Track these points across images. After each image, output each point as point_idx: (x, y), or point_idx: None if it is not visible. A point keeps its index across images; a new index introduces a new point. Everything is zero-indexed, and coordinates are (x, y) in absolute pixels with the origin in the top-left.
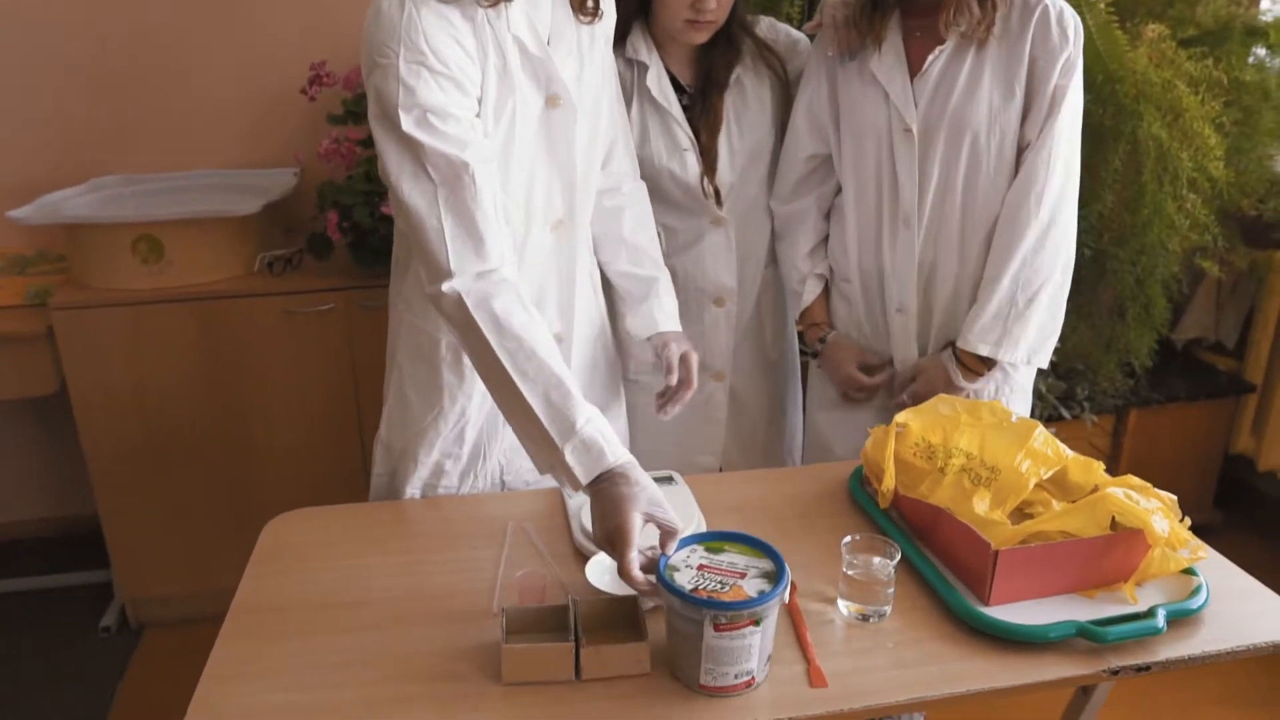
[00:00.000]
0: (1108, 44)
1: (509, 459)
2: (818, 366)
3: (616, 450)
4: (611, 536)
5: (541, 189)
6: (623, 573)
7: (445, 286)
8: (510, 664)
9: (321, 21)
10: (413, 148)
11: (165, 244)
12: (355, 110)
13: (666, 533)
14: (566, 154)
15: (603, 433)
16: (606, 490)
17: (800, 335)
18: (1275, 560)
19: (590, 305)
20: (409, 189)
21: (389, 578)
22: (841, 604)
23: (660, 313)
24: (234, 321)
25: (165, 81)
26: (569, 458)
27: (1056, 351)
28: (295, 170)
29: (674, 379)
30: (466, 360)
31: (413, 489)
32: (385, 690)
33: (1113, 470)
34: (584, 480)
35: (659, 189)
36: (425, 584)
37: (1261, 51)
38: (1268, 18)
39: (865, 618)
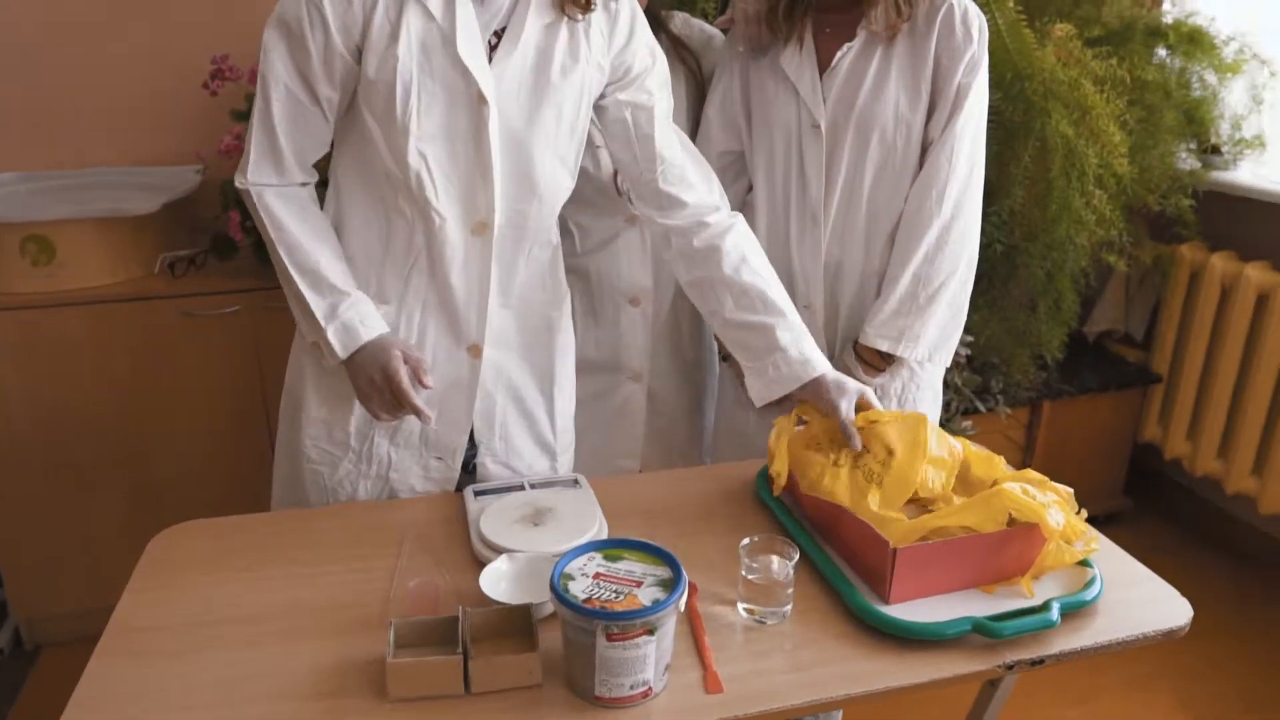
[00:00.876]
0: (1017, 42)
1: (399, 458)
2: (729, 367)
3: (371, 329)
4: (379, 381)
5: (459, 187)
6: (407, 403)
7: (239, 181)
8: (396, 679)
9: (223, 14)
10: (265, 52)
11: (57, 245)
12: None
13: (414, 364)
14: (483, 153)
15: (361, 316)
16: (361, 358)
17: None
18: (1182, 543)
19: (507, 321)
20: (258, 87)
21: (278, 591)
22: (741, 607)
23: (789, 365)
24: (132, 326)
25: (62, 75)
26: (331, 336)
27: (971, 345)
28: (198, 168)
29: (857, 444)
30: None
31: (309, 486)
32: (263, 709)
33: (1027, 461)
34: (341, 354)
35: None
36: (316, 596)
37: (1162, 52)
38: (1169, 19)
39: (763, 620)
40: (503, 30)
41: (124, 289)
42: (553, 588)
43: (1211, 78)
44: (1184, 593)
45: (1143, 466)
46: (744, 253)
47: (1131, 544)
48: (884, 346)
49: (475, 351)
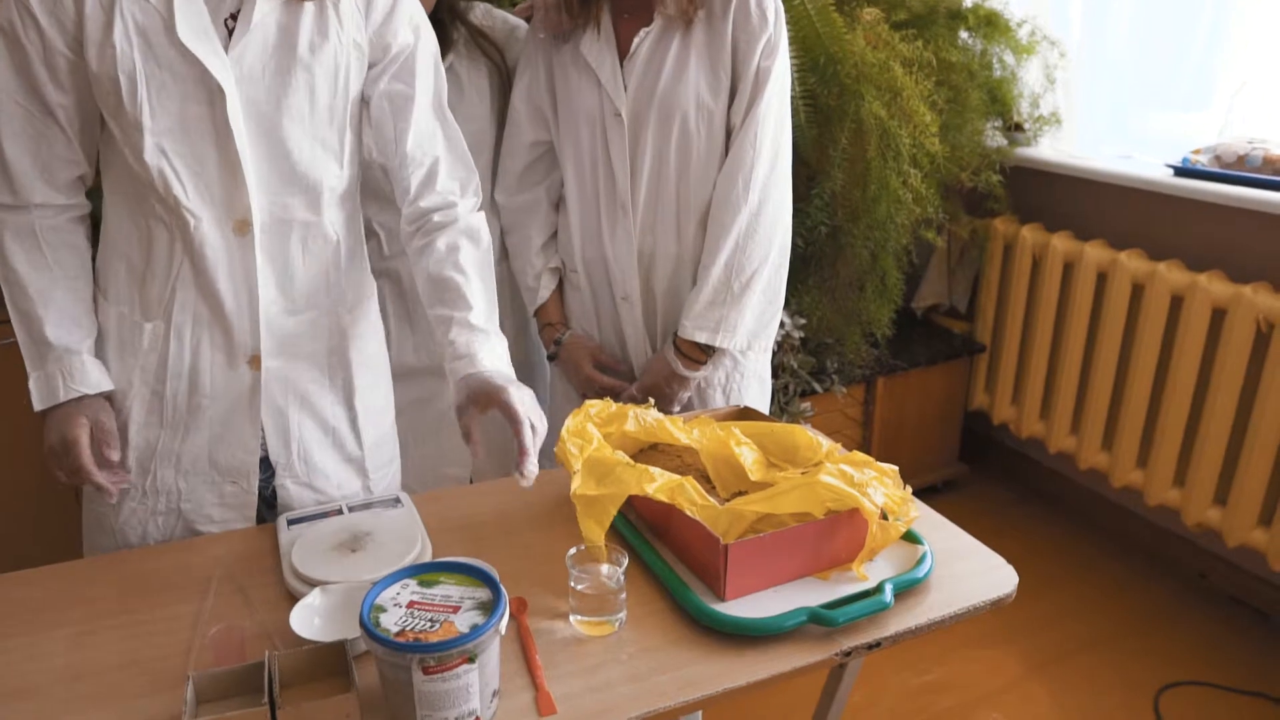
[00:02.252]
0: (827, 27)
1: (189, 486)
2: (555, 366)
3: (73, 389)
4: (58, 449)
5: (210, 183)
6: (85, 477)
7: None
8: None
9: None
10: None
11: None
12: None
13: (101, 436)
14: (228, 144)
15: (67, 372)
16: (54, 417)
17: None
18: (1015, 503)
19: (292, 327)
20: None
21: (58, 656)
22: (573, 619)
23: (455, 360)
24: None
25: None
26: (32, 385)
27: (804, 328)
28: None
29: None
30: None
31: (94, 531)
32: None
33: (866, 436)
34: (38, 406)
35: (372, 185)
36: (105, 656)
37: (965, 34)
38: (968, 3)
39: (603, 631)
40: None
41: None
42: (362, 623)
43: (1010, 58)
44: (1018, 549)
45: (975, 433)
46: (456, 246)
47: (969, 508)
48: (702, 338)
49: (255, 363)
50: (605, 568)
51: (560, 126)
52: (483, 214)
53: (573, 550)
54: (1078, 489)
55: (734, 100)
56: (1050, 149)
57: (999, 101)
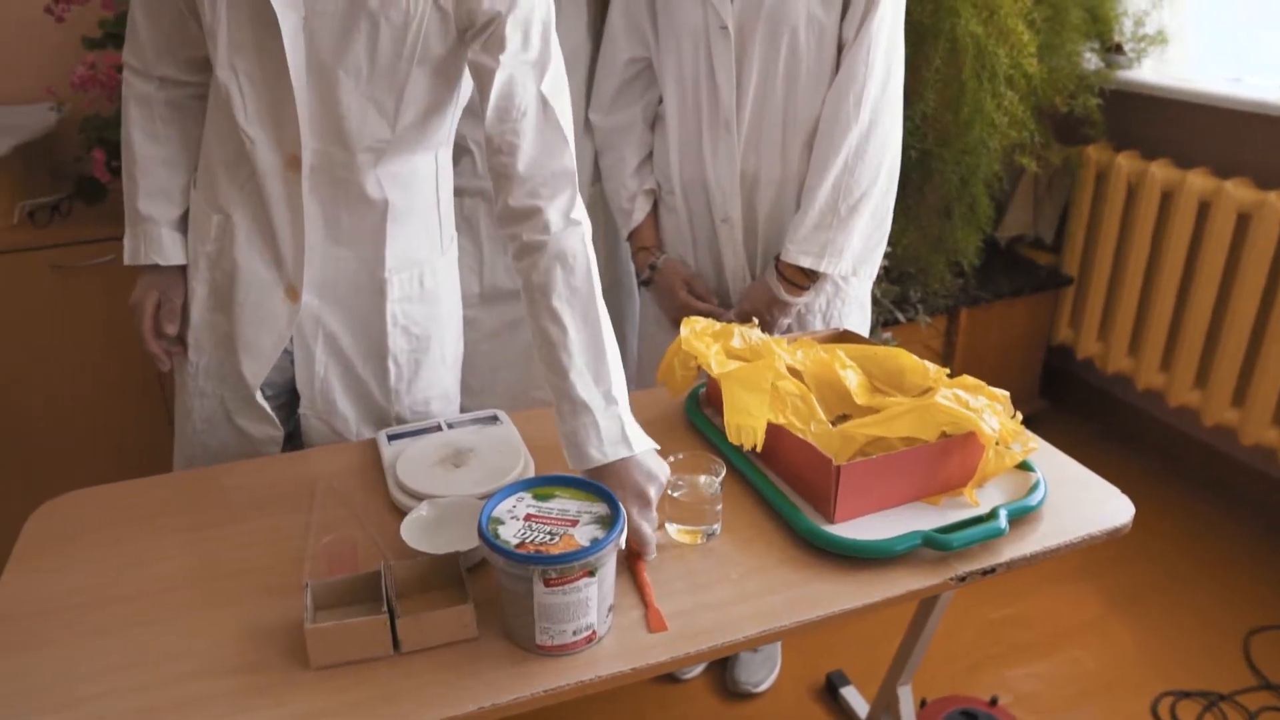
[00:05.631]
0: None
1: (229, 384)
2: (648, 290)
3: (153, 256)
4: (133, 311)
5: (268, 111)
6: (144, 343)
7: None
8: (317, 646)
9: None
10: None
11: None
12: (116, 32)
13: (166, 310)
14: (284, 76)
15: (152, 240)
16: (141, 279)
17: (631, 257)
18: (1097, 441)
19: (333, 269)
20: None
21: (176, 560)
22: (670, 527)
23: (569, 445)
24: None
25: None
26: (125, 241)
27: (889, 256)
28: (53, 105)
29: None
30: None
31: (178, 440)
32: (171, 693)
33: (947, 369)
34: (127, 260)
35: (467, 106)
36: (221, 563)
37: None
38: None
39: (694, 539)
40: None
41: None
42: (482, 534)
43: None
44: None
45: (1057, 368)
46: (547, 285)
47: (1049, 444)
48: (806, 263)
49: (293, 294)
50: (703, 478)
51: (660, 42)
52: (580, 228)
53: (671, 458)
54: (1164, 427)
55: (846, 13)
56: (1153, 71)
57: (1100, 21)
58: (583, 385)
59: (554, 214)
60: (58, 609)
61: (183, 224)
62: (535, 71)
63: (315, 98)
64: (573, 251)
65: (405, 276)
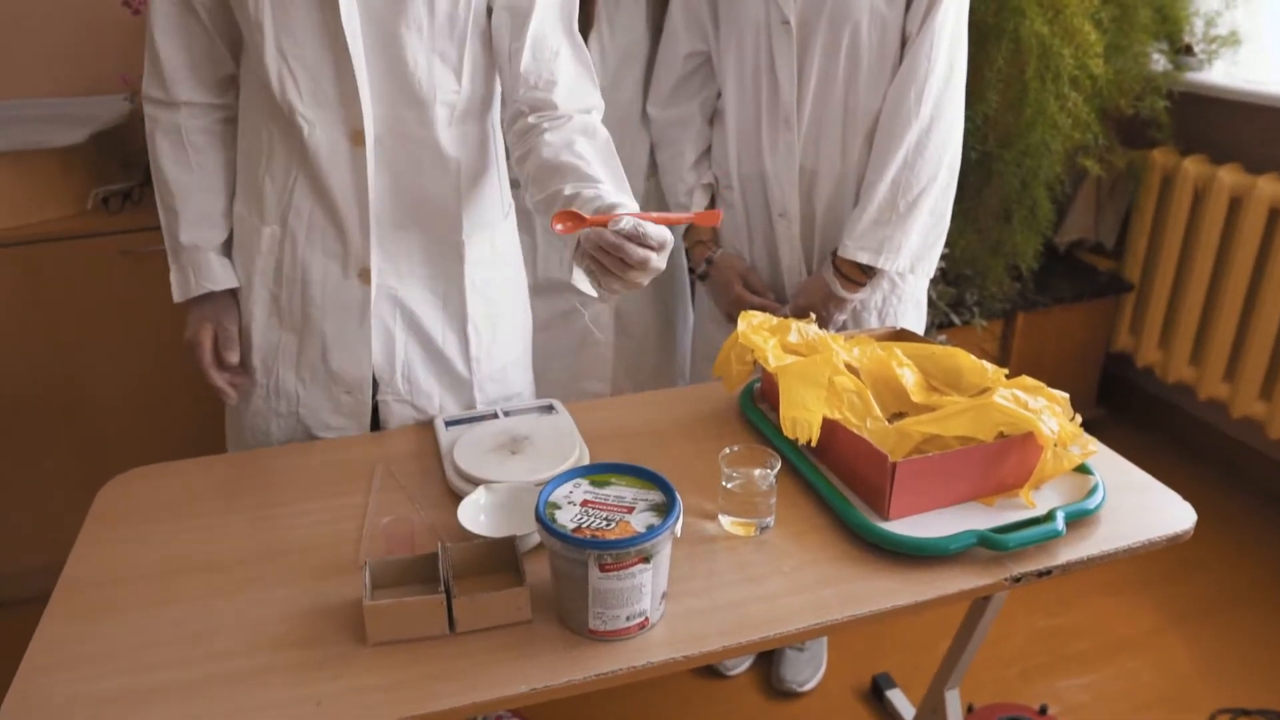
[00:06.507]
0: None
1: (306, 393)
2: (705, 284)
3: (204, 285)
4: (188, 348)
5: (327, 89)
6: (206, 380)
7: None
8: (375, 622)
9: None
10: None
11: None
12: None
13: (221, 341)
14: (341, 48)
15: (199, 268)
16: (192, 313)
17: (685, 251)
18: (1155, 451)
19: (405, 245)
20: None
21: (239, 536)
22: (723, 519)
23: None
24: (66, 266)
25: None
26: (171, 278)
27: (946, 258)
28: (127, 95)
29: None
30: (260, 261)
31: (229, 427)
32: (233, 664)
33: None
34: (177, 297)
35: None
36: (281, 540)
37: None
38: None
39: (747, 531)
40: None
41: (55, 228)
42: (539, 517)
43: None
44: None
45: (1114, 375)
46: (570, 140)
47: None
48: (864, 259)
49: (365, 276)
50: (757, 470)
51: (721, 36)
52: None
53: (726, 450)
54: (1226, 439)
55: (910, 7)
56: (1224, 74)
57: (1170, 21)
58: (609, 190)
59: (575, 115)
60: (126, 579)
61: (228, 249)
62: (564, 15)
63: (379, 62)
64: (595, 126)
65: (479, 239)
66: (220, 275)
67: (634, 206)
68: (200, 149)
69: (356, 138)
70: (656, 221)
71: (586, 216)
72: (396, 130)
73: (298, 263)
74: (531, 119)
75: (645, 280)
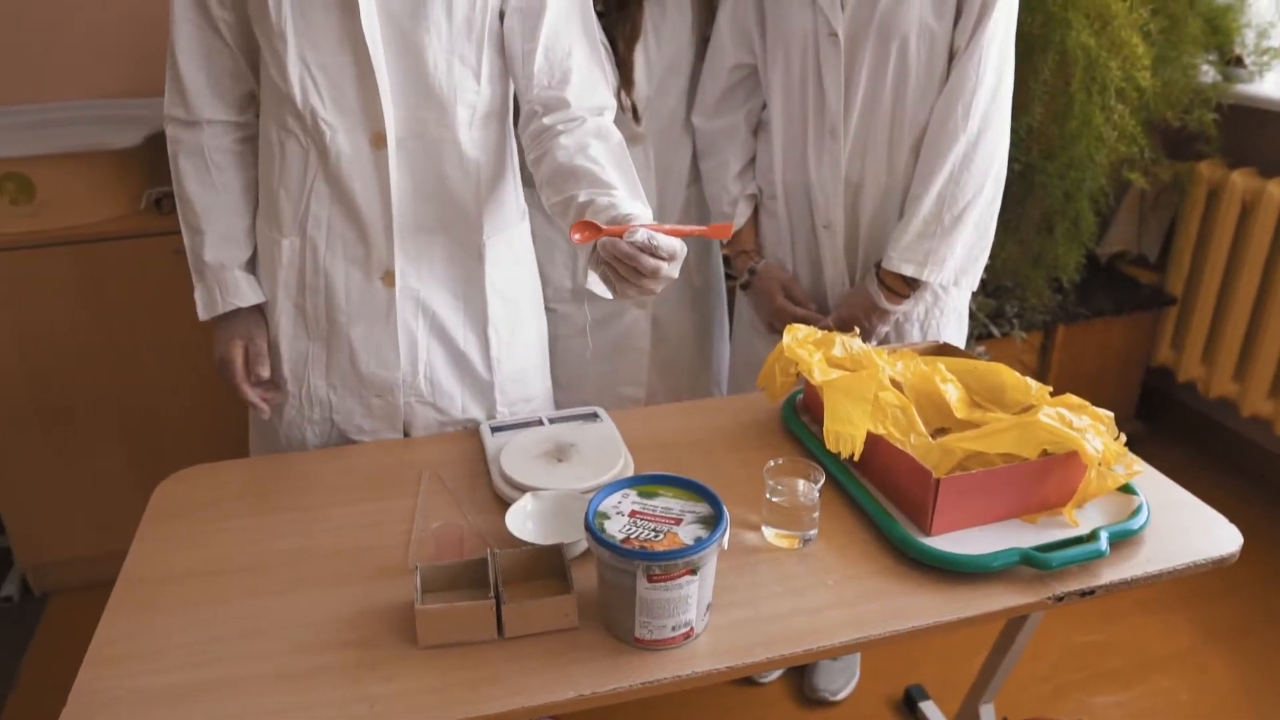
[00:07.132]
0: None
1: (338, 399)
2: (746, 293)
3: (231, 302)
4: (218, 366)
5: (348, 94)
6: (239, 395)
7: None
8: (426, 626)
9: None
10: None
11: (36, 183)
12: None
13: (252, 356)
14: (362, 54)
15: (225, 286)
16: (219, 330)
17: (726, 260)
18: (1196, 468)
19: (426, 247)
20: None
21: (292, 537)
22: (766, 530)
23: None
24: (122, 265)
25: (32, 4)
26: (196, 297)
27: (987, 269)
28: None
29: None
30: (284, 268)
31: (258, 435)
32: (289, 662)
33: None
34: (202, 315)
35: None
36: (332, 542)
37: None
38: None
39: (790, 544)
40: None
41: (111, 227)
42: (588, 527)
43: None
44: None
45: (1155, 390)
46: (585, 143)
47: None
48: (909, 271)
49: (388, 279)
50: (802, 483)
51: (768, 48)
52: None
53: (770, 463)
54: (1269, 456)
55: (959, 21)
56: (1275, 86)
57: (1220, 32)
58: (623, 198)
59: (589, 117)
60: (181, 576)
61: (252, 265)
62: (577, 13)
63: (399, 65)
64: (608, 128)
65: (498, 241)
66: (247, 292)
67: (647, 214)
68: (223, 168)
69: (378, 140)
70: (668, 233)
71: (603, 226)
72: (417, 132)
73: (320, 271)
74: (546, 120)
75: (658, 288)
